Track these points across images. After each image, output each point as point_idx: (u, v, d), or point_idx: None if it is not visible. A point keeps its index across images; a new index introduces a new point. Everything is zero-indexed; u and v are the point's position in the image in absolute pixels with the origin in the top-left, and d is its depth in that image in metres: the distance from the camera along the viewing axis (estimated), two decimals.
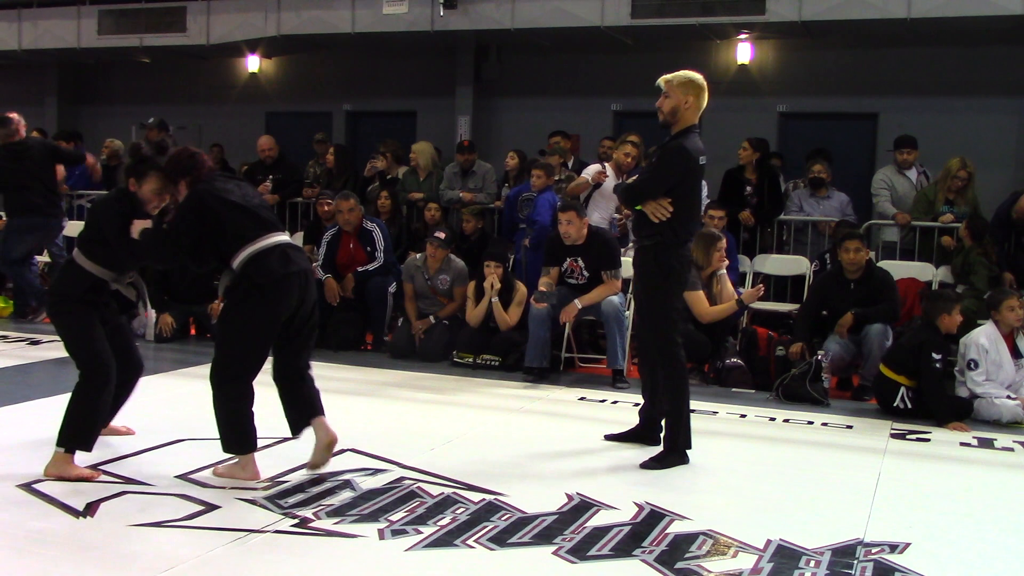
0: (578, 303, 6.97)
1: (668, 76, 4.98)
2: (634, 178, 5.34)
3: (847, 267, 6.91)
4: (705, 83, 5.01)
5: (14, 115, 9.04)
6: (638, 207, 5.02)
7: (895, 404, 6.24)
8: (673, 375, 5.05)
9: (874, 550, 3.79)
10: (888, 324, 6.80)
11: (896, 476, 4.92)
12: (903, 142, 8.93)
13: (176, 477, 4.38)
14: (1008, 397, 6.19)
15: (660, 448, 5.05)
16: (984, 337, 6.27)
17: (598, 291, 7.04)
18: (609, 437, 5.40)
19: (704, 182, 9.10)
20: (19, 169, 8.81)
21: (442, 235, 7.83)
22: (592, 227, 7.27)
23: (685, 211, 4.97)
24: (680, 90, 4.94)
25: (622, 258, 7.25)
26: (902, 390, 6.22)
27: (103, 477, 4.35)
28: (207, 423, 5.35)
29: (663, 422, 5.10)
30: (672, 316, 5.07)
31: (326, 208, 8.85)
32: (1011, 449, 5.60)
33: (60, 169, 9.05)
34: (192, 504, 4.02)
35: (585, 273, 7.14)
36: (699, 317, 7.01)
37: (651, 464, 4.92)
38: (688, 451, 5.00)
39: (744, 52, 11.04)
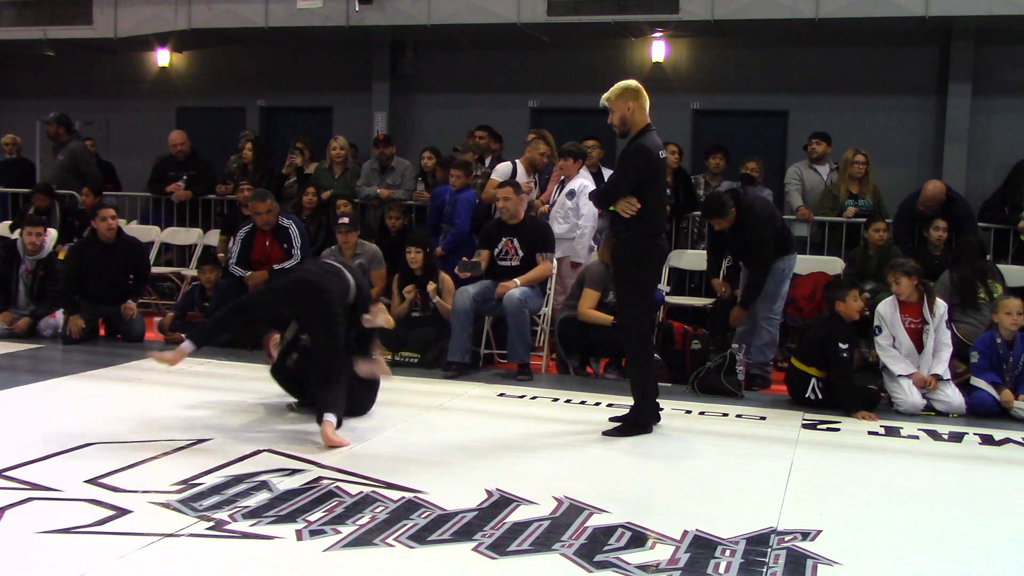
0: (517, 280, 7.13)
1: (606, 94, 5.43)
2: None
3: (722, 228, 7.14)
4: (639, 85, 5.42)
5: None
6: (611, 208, 5.45)
7: (806, 395, 6.39)
8: (640, 355, 5.59)
9: (787, 538, 3.87)
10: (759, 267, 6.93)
11: (808, 465, 5.04)
12: (816, 134, 9.27)
13: (86, 482, 4.25)
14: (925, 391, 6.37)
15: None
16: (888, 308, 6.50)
17: (536, 271, 7.25)
18: (607, 433, 5.54)
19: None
20: None
21: (346, 220, 8.04)
22: (527, 212, 7.60)
23: (652, 204, 5.40)
24: (619, 101, 5.41)
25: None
26: (813, 381, 6.37)
27: (8, 484, 4.20)
28: (117, 426, 5.26)
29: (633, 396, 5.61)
30: (644, 303, 5.58)
31: (246, 194, 8.71)
32: (916, 437, 5.79)
33: None
34: (103, 509, 3.91)
35: (520, 253, 7.28)
36: (578, 312, 7.11)
37: (615, 432, 5.46)
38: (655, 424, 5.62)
39: (659, 50, 11.17)
